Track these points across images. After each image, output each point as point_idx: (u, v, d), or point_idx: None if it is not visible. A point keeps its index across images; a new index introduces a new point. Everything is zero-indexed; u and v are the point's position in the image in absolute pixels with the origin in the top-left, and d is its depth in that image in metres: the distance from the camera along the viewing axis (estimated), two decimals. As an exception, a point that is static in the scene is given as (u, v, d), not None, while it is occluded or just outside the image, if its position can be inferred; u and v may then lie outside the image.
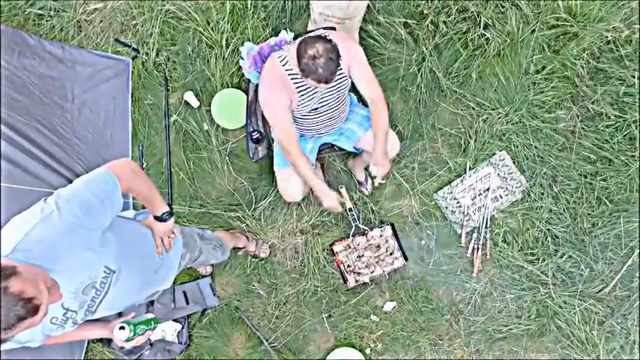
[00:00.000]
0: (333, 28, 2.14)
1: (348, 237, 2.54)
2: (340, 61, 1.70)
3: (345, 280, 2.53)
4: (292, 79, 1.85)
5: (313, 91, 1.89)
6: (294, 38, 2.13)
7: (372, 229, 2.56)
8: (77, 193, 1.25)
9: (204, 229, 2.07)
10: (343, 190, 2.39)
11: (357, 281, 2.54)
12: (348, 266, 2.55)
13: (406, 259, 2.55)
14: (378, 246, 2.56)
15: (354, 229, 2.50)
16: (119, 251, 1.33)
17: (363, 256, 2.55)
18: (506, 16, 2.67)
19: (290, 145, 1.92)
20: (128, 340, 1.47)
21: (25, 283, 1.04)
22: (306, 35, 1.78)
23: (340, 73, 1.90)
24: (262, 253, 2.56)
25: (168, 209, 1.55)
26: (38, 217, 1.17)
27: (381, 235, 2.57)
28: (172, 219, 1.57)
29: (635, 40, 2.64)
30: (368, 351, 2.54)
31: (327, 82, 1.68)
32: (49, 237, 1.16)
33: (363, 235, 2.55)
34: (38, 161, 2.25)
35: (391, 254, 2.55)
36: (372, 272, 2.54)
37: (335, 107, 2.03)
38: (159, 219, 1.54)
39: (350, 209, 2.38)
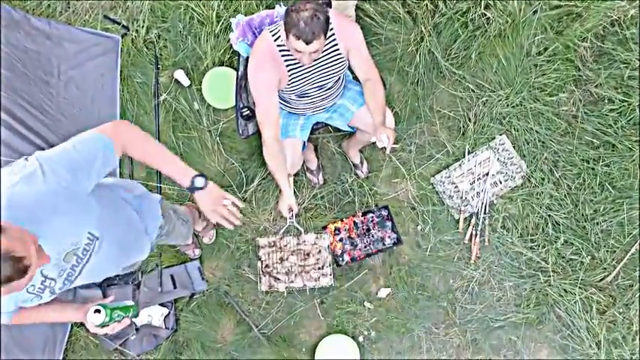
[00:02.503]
0: (329, 4, 2.06)
1: (294, 231, 2.25)
2: (330, 36, 1.62)
3: (258, 282, 2.24)
4: (283, 55, 1.77)
5: (305, 72, 1.81)
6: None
7: (307, 232, 2.32)
8: (63, 153, 1.17)
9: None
10: (291, 180, 2.12)
11: (270, 287, 2.24)
12: (267, 266, 2.25)
13: (401, 243, 2.47)
14: (308, 254, 2.26)
15: (286, 226, 2.11)
16: (102, 217, 1.26)
17: (286, 260, 2.27)
18: (509, -5, 2.58)
19: (267, 127, 1.79)
20: (102, 325, 1.39)
21: (13, 241, 0.95)
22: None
23: (338, 55, 1.82)
24: (205, 238, 2.47)
25: (195, 172, 1.35)
26: (19, 176, 1.09)
27: (314, 243, 2.27)
28: (210, 183, 1.37)
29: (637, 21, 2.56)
30: (361, 339, 2.46)
31: (306, 42, 1.58)
32: (31, 197, 1.08)
33: (295, 235, 2.27)
34: (21, 137, 2.18)
35: (320, 269, 2.23)
36: (291, 282, 2.23)
37: (329, 91, 1.95)
38: (191, 188, 1.34)
39: (291, 209, 1.99)
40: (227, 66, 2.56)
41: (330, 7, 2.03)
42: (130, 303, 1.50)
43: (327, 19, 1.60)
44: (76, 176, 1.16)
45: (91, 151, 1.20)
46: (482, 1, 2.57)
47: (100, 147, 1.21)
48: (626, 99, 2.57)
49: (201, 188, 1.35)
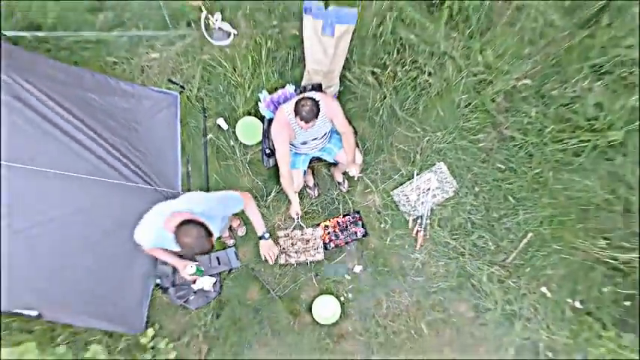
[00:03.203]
0: (320, 86, 3.28)
1: (299, 227, 3.58)
2: (321, 112, 2.84)
3: (278, 259, 3.52)
4: (292, 124, 2.99)
5: (305, 132, 3.03)
6: (295, 90, 3.26)
7: (307, 227, 3.58)
8: (220, 198, 2.62)
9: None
10: (297, 195, 3.30)
11: (286, 260, 3.55)
12: (283, 249, 3.56)
13: (368, 235, 3.70)
14: (308, 241, 3.57)
15: (294, 224, 3.47)
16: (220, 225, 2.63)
17: (295, 244, 3.57)
18: (445, 66, 3.80)
19: (283, 165, 3.03)
20: (191, 274, 2.66)
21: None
22: (302, 95, 2.91)
23: (324, 121, 3.03)
24: (239, 232, 3.70)
25: (266, 231, 2.83)
26: (190, 202, 2.46)
27: (312, 234, 3.58)
28: (270, 239, 2.87)
29: (529, 88, 3.77)
30: (342, 298, 3.69)
31: (306, 122, 2.80)
32: (208, 211, 2.43)
33: (300, 229, 3.57)
34: (122, 164, 3.37)
35: (315, 249, 3.56)
36: (299, 258, 3.55)
37: (319, 140, 3.18)
38: (260, 238, 2.82)
39: (298, 213, 3.30)
40: (253, 116, 3.78)
41: (321, 90, 3.27)
42: (202, 268, 2.76)
43: (319, 108, 2.81)
44: (224, 212, 2.53)
45: (227, 203, 2.55)
46: (426, 71, 3.78)
47: (238, 202, 2.58)
48: (524, 137, 3.79)
49: (266, 239, 2.84)
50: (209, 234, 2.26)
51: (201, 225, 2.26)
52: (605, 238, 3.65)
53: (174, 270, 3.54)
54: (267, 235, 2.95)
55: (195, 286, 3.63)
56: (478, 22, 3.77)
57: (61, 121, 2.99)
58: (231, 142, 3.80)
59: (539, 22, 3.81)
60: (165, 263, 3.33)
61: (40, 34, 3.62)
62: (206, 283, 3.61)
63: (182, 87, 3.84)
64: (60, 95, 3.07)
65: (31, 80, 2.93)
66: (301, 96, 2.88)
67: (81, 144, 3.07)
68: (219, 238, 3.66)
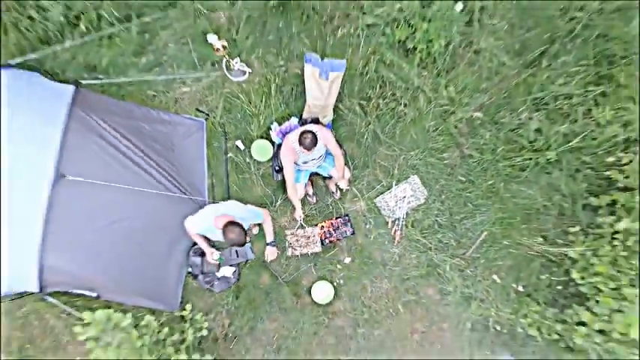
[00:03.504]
0: (318, 120, 4.26)
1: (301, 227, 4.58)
2: (318, 142, 3.81)
3: (285, 251, 4.57)
4: (296, 150, 3.96)
5: (307, 155, 4.00)
6: (299, 121, 4.23)
7: (308, 227, 4.56)
8: (248, 208, 3.62)
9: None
10: (300, 202, 4.33)
11: (292, 253, 4.56)
12: (290, 244, 4.58)
13: (355, 234, 4.67)
14: (308, 237, 4.57)
15: (298, 225, 4.48)
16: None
17: (298, 240, 4.59)
18: (417, 99, 4.76)
19: (289, 180, 4.01)
20: (215, 259, 3.65)
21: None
22: (303, 128, 3.88)
23: (319, 147, 4.00)
24: (254, 231, 4.65)
25: (273, 240, 3.79)
26: (233, 209, 3.46)
27: (311, 232, 4.58)
28: (275, 247, 3.87)
29: (484, 117, 4.73)
30: (335, 284, 4.66)
31: (307, 150, 3.78)
32: (243, 217, 3.43)
33: (302, 228, 4.57)
34: (165, 179, 4.32)
35: (314, 244, 4.56)
36: (302, 250, 4.56)
37: (317, 160, 4.15)
38: (268, 244, 3.82)
39: (300, 216, 4.31)
40: (265, 139, 4.74)
41: (319, 122, 4.25)
42: (223, 257, 3.76)
43: (317, 139, 3.78)
44: (251, 220, 3.60)
45: (254, 215, 3.56)
46: (402, 102, 4.75)
47: (260, 216, 3.57)
48: (481, 156, 4.75)
49: (272, 245, 3.83)
50: (244, 232, 3.25)
51: (241, 226, 3.26)
52: (543, 237, 4.61)
53: (202, 262, 4.50)
54: (273, 243, 4.01)
55: (219, 274, 4.60)
56: (444, 63, 4.73)
57: (121, 146, 3.97)
58: (247, 160, 4.76)
59: (494, 63, 4.78)
60: (198, 252, 4.31)
61: (100, 81, 4.58)
62: (227, 271, 4.58)
63: (207, 115, 4.80)
64: (119, 125, 4.05)
65: (100, 115, 3.91)
66: (303, 129, 3.84)
67: (135, 163, 4.04)
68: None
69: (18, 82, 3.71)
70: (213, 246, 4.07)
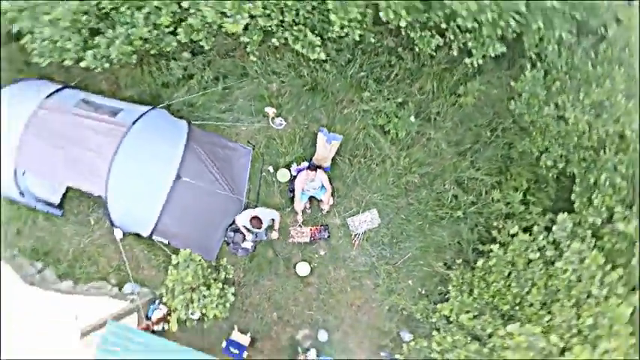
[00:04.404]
0: (320, 165, 7.13)
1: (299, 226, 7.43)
2: (317, 177, 6.68)
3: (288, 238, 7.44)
4: (305, 181, 6.84)
5: (311, 185, 6.88)
6: (308, 165, 7.10)
7: (303, 227, 7.36)
8: (270, 211, 6.58)
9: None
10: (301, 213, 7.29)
11: (292, 240, 7.34)
12: (291, 236, 7.35)
13: (330, 238, 7.51)
14: (303, 232, 7.28)
15: (297, 225, 7.30)
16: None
17: (297, 234, 7.33)
18: (385, 162, 7.57)
19: (297, 197, 6.89)
20: (248, 239, 6.61)
21: None
22: (255, 213, 6.70)
23: (319, 184, 6.87)
24: (274, 235, 7.50)
25: (278, 229, 6.89)
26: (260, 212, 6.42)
27: (305, 230, 7.34)
28: (277, 233, 6.96)
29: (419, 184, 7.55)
30: (312, 265, 7.48)
31: (312, 180, 6.65)
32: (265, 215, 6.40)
33: (300, 227, 7.36)
34: (224, 182, 7.20)
35: (306, 237, 7.29)
36: (299, 239, 7.32)
37: (315, 190, 7.03)
38: (275, 231, 6.95)
39: (299, 220, 7.18)
40: (286, 168, 7.59)
41: (320, 168, 7.14)
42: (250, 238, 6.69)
43: (261, 222, 6.63)
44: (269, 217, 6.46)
45: (271, 214, 6.49)
46: (375, 162, 7.55)
47: (275, 215, 6.52)
48: (418, 205, 7.55)
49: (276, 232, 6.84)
50: (261, 223, 6.19)
51: (260, 220, 6.18)
52: (444, 263, 7.39)
53: (234, 236, 7.36)
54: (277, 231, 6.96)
55: (242, 245, 7.51)
56: (405, 142, 7.53)
57: (208, 162, 6.89)
58: (273, 179, 7.63)
59: (438, 148, 7.57)
60: (233, 229, 7.22)
61: (201, 122, 7.51)
62: (248, 244, 7.48)
63: (254, 146, 7.68)
64: (207, 149, 6.97)
65: (198, 143, 6.84)
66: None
67: (211, 172, 6.97)
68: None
69: (160, 117, 6.71)
70: (248, 230, 6.94)
